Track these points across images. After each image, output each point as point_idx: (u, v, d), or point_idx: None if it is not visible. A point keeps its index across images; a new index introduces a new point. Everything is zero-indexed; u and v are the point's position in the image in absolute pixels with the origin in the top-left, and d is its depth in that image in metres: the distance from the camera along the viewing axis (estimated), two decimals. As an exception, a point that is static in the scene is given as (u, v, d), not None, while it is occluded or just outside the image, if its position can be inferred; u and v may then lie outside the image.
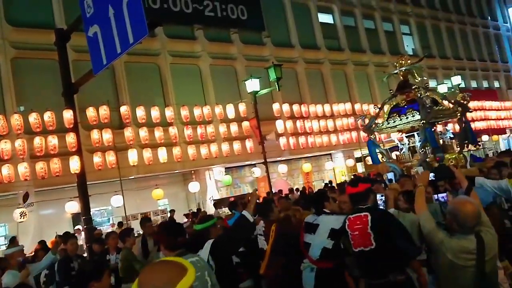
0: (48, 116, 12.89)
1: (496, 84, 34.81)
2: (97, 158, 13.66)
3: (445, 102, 8.36)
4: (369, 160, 21.70)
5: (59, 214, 14.70)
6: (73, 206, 13.17)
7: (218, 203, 15.88)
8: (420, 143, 7.57)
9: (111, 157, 13.81)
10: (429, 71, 26.81)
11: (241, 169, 19.85)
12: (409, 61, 8.23)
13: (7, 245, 10.21)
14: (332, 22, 24.35)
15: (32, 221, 13.58)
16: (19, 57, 14.21)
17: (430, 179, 4.82)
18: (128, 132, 14.62)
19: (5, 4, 14.18)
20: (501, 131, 30.29)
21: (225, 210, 16.45)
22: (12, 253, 6.85)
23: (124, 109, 14.71)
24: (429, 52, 27.25)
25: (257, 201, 5.55)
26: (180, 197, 18.79)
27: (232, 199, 17.49)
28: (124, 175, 13.71)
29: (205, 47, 18.46)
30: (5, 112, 13.19)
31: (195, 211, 15.43)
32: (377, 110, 8.30)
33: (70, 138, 11.42)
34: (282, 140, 18.46)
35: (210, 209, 15.89)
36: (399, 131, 8.25)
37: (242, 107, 17.30)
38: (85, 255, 7.93)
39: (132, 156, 14.57)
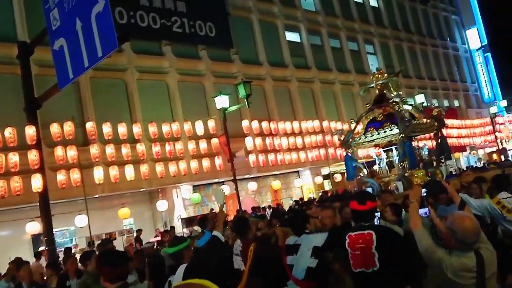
0: (9, 132, 12.39)
1: (456, 103, 36.04)
2: (60, 176, 13.19)
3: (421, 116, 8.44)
4: (337, 177, 22.03)
5: (19, 236, 14.02)
6: (34, 227, 12.61)
7: (190, 222, 15.54)
8: (399, 157, 7.54)
9: (75, 175, 13.34)
10: (393, 90, 27.43)
11: (209, 187, 19.58)
12: (385, 75, 8.28)
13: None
14: (299, 40, 24.66)
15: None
16: (-22, 71, 13.63)
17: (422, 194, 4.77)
18: (94, 149, 14.18)
19: (-37, 16, 13.64)
20: (461, 148, 31.28)
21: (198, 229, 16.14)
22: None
23: (89, 125, 14.31)
24: (393, 71, 27.94)
25: (226, 219, 5.40)
26: (146, 216, 18.30)
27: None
28: (89, 194, 13.22)
29: (173, 63, 18.27)
30: (-38, 128, 12.57)
31: (168, 229, 14.97)
32: (354, 124, 8.27)
33: (32, 155, 11.01)
34: (252, 157, 18.38)
35: (178, 228, 15.52)
36: (376, 145, 8.23)
37: (211, 123, 17.15)
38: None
39: (98, 173, 14.11)
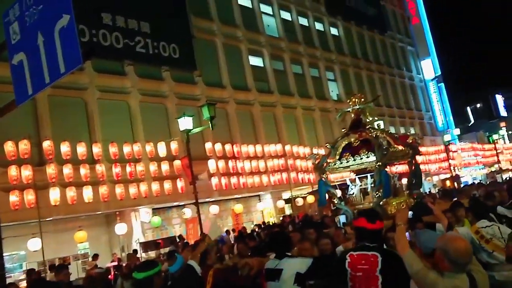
0: (-42, 150, 11.74)
1: (412, 130, 37.09)
2: (14, 197, 12.56)
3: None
4: (298, 201, 22.05)
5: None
6: (-18, 251, 11.82)
7: (148, 246, 15.09)
8: (375, 185, 7.43)
9: (30, 196, 12.73)
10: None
11: (169, 210, 19.16)
12: (362, 99, 8.31)
13: None
14: (262, 65, 24.93)
15: None
16: None
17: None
18: (51, 169, 13.62)
19: None
20: (417, 174, 32.04)
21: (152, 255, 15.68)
22: None
23: (46, 144, 13.74)
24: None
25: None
26: (103, 240, 17.61)
27: (160, 241, 16.75)
28: (43, 216, 12.62)
29: (135, 83, 18.00)
30: None
31: (126, 253, 14.44)
32: (330, 147, 8.19)
33: (-16, 174, 10.44)
34: (214, 180, 18.15)
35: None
36: (351, 171, 8.12)
37: (173, 145, 16.89)
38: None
39: (54, 195, 13.54)
